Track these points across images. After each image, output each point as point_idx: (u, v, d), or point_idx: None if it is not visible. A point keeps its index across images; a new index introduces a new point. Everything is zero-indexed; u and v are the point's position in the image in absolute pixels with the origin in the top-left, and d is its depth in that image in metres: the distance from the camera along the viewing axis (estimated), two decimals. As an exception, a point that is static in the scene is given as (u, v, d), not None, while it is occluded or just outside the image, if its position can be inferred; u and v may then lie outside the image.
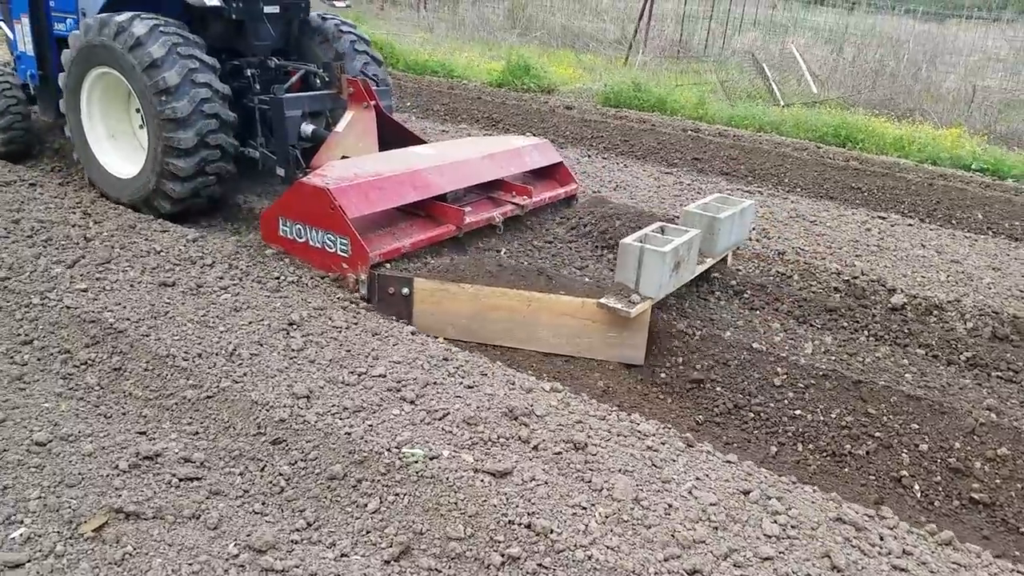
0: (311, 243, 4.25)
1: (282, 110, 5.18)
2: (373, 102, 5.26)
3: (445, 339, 3.80)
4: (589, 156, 8.38)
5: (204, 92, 4.76)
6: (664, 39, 17.83)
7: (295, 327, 3.63)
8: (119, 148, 5.33)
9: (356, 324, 3.75)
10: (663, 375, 3.91)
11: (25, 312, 3.62)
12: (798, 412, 3.59)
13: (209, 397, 3.06)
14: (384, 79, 6.12)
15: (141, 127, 5.07)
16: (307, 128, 5.38)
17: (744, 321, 4.36)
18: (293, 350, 3.42)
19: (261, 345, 3.43)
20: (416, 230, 4.51)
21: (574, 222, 5.39)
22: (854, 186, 7.75)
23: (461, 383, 3.26)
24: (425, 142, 5.58)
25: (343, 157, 4.97)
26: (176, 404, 3.07)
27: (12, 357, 3.34)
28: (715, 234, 4.46)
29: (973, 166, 9.14)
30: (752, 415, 3.64)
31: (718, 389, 3.78)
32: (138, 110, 5.07)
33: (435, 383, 3.24)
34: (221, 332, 3.51)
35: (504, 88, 12.53)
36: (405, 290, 3.99)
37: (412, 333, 3.74)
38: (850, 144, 9.84)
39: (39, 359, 3.35)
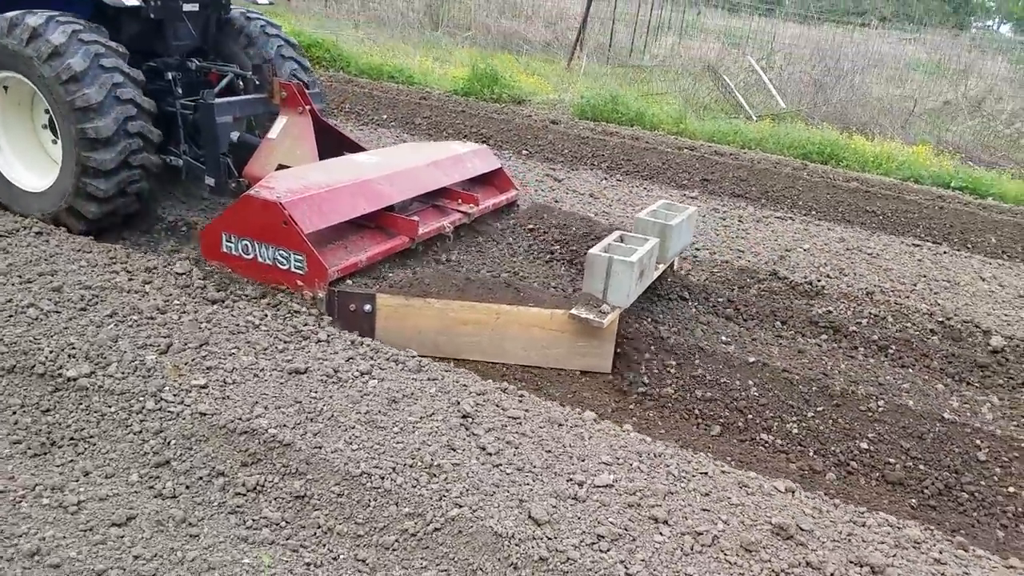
0: (260, 260, 4.03)
1: (212, 116, 4.88)
2: (308, 107, 5.02)
3: (628, 426, 3.41)
4: (607, 179, 8.11)
5: (129, 109, 4.47)
6: (593, 43, 17.80)
7: (471, 420, 3.14)
8: (23, 158, 4.91)
9: (530, 412, 3.30)
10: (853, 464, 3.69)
11: (143, 422, 2.94)
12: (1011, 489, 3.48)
13: (437, 530, 2.56)
14: (314, 80, 5.86)
15: (55, 142, 4.72)
16: (234, 135, 5.10)
17: (909, 383, 4.19)
18: (490, 454, 2.94)
19: (452, 450, 2.93)
20: (369, 243, 4.35)
21: (524, 230, 5.26)
22: (868, 209, 7.89)
23: (696, 491, 2.89)
24: (364, 149, 5.42)
25: (280, 166, 4.78)
26: (397, 542, 2.54)
27: (153, 486, 2.70)
28: (668, 240, 4.57)
29: (952, 184, 9.56)
30: (966, 495, 3.49)
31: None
32: (45, 126, 4.82)
33: (671, 493, 2.86)
34: (396, 434, 2.98)
35: (472, 98, 12.04)
36: (367, 306, 3.91)
37: (594, 420, 3.33)
38: (833, 162, 10.09)
39: (189, 487, 2.71)
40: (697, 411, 3.85)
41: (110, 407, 3.01)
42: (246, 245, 4.04)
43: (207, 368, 3.29)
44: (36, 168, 4.85)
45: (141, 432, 2.91)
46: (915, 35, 23.02)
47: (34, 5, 4.56)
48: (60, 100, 4.34)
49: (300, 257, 3.89)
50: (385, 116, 10.06)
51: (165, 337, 3.50)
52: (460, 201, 5.10)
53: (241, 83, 5.34)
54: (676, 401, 3.89)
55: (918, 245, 6.92)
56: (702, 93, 13.94)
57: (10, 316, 3.53)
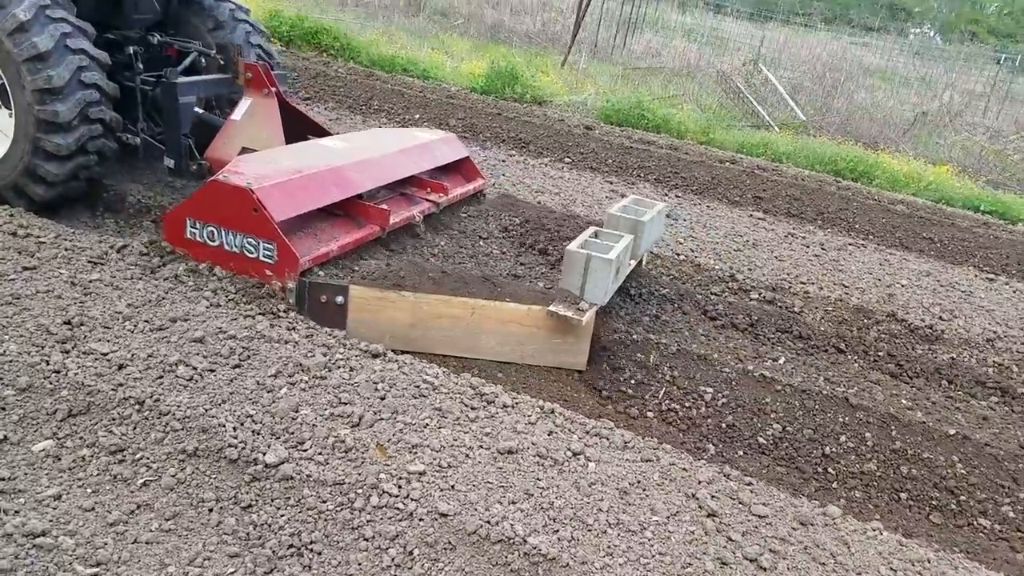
0: (227, 247, 3.89)
1: (176, 95, 4.70)
2: (274, 88, 4.90)
3: (877, 523, 3.14)
4: (667, 195, 7.85)
5: (81, 59, 4.28)
6: (582, 39, 17.46)
7: (720, 521, 2.84)
8: None
9: (771, 507, 3.00)
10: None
11: (371, 523, 2.54)
12: None
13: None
14: (278, 61, 5.74)
15: (10, 115, 4.43)
16: (195, 113, 4.97)
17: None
18: (765, 569, 2.64)
19: (724, 564, 2.63)
20: (339, 232, 4.21)
21: (491, 220, 5.30)
22: (924, 236, 7.88)
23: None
24: (330, 133, 5.32)
25: (244, 149, 4.67)
26: None
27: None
28: (640, 236, 4.57)
29: (982, 207, 9.68)
30: None
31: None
32: None
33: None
34: (653, 542, 2.67)
35: (492, 96, 11.60)
36: (339, 298, 3.80)
37: (841, 516, 3.03)
38: (864, 180, 10.08)
39: (457, 613, 2.33)
40: (905, 491, 3.62)
41: (325, 502, 2.59)
42: (212, 232, 3.89)
43: (412, 447, 2.89)
44: None
45: (375, 538, 2.50)
46: (862, 40, 23.42)
47: None
48: (7, 54, 4.13)
49: (270, 246, 3.76)
50: (418, 116, 9.55)
51: (347, 404, 3.08)
52: (429, 190, 5.01)
53: (203, 61, 5.14)
54: (880, 479, 3.65)
55: (991, 279, 6.90)
56: (709, 98, 13.81)
57: (159, 377, 3.05)
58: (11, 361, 2.98)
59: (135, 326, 3.37)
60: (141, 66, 4.95)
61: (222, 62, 4.98)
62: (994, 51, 24.36)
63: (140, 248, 4.09)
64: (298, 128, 5.10)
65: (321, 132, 5.30)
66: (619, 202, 5.03)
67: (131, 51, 4.94)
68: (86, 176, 4.58)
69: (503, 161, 7.99)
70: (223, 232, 3.86)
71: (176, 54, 5.28)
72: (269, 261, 3.81)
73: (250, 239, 3.80)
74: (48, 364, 2.98)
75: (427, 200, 4.93)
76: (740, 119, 12.90)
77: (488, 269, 4.54)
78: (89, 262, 3.90)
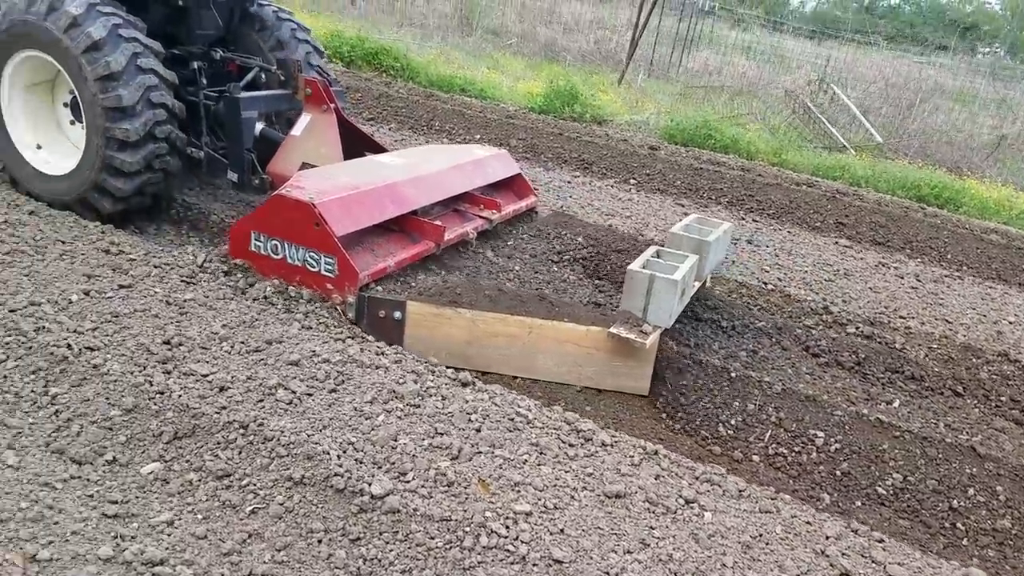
0: (289, 260, 3.95)
1: (238, 110, 4.76)
2: (332, 104, 4.92)
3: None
4: (743, 219, 7.66)
5: (151, 79, 4.36)
6: (638, 57, 17.34)
7: None
8: (46, 142, 4.83)
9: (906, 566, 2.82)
10: None
11: (483, 564, 2.43)
12: None
13: None
14: (335, 77, 5.76)
15: (72, 123, 4.73)
16: (257, 128, 5.03)
17: None
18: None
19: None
20: (395, 247, 4.25)
21: (546, 239, 5.24)
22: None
23: None
24: (385, 149, 5.35)
25: (304, 164, 4.72)
26: None
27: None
28: (705, 257, 4.41)
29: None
30: None
31: None
32: (66, 104, 4.75)
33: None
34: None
35: (551, 116, 11.56)
36: (397, 314, 3.80)
37: None
38: (950, 206, 9.67)
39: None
40: None
41: (433, 539, 2.51)
42: (275, 245, 3.95)
43: (515, 484, 2.79)
44: (61, 152, 4.76)
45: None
46: (928, 59, 22.68)
47: None
48: (82, 71, 4.24)
49: (331, 260, 3.80)
50: (478, 136, 9.55)
51: (443, 435, 3.00)
52: (482, 207, 5.04)
53: (263, 77, 5.20)
54: (1017, 538, 3.41)
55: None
56: (776, 118, 13.56)
57: (260, 400, 3.02)
58: (115, 381, 2.99)
59: (232, 347, 3.36)
60: (205, 81, 5.04)
61: (283, 78, 5.04)
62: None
63: (223, 266, 4.13)
64: (355, 144, 5.16)
65: (377, 148, 5.34)
66: (681, 221, 4.88)
67: (195, 66, 5.03)
68: (151, 192, 4.68)
69: (568, 183, 7.91)
70: (286, 245, 3.92)
71: (237, 69, 5.35)
72: (330, 275, 3.84)
73: (312, 253, 3.85)
74: (152, 385, 2.97)
75: (480, 216, 4.95)
76: (810, 140, 12.62)
77: (545, 288, 4.47)
78: (182, 281, 3.93)
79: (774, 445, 3.84)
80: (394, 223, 4.32)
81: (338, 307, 3.85)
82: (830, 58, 18.39)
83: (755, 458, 3.78)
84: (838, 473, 3.59)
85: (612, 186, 8.24)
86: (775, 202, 8.30)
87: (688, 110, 12.83)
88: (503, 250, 4.96)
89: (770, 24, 24.15)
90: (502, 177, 5.49)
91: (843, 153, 11.71)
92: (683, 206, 7.79)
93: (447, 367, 3.62)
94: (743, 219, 7.70)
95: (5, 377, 3.02)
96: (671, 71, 17.68)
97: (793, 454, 3.81)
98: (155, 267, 4.06)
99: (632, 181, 8.64)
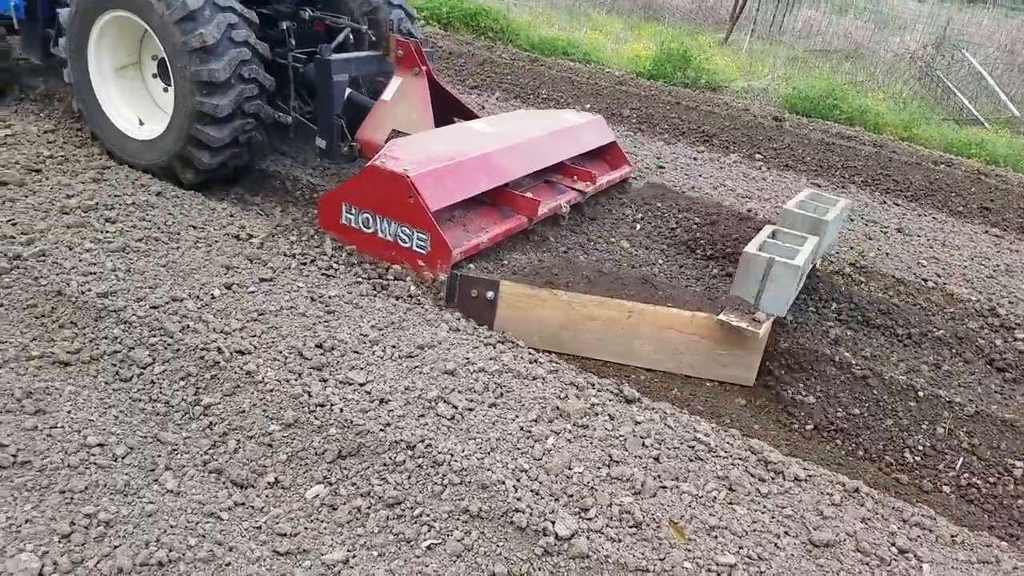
0: (380, 235, 3.79)
1: (329, 73, 4.50)
2: (424, 67, 4.60)
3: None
4: (884, 204, 7.01)
5: (244, 52, 4.18)
6: (742, 15, 16.18)
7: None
8: (132, 104, 4.72)
9: None
10: None
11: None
12: None
13: None
14: (423, 37, 5.37)
15: (166, 90, 4.52)
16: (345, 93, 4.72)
17: None
18: None
19: None
20: (487, 222, 4.04)
21: (643, 212, 4.92)
22: None
23: None
24: (476, 115, 5.08)
25: (394, 131, 4.45)
26: None
27: None
28: (822, 237, 4.08)
29: None
30: None
31: None
32: (155, 75, 4.63)
33: None
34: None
35: (661, 81, 10.95)
36: (490, 294, 3.63)
37: None
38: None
39: None
40: None
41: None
42: (367, 218, 3.81)
43: (711, 528, 2.49)
44: (147, 116, 4.68)
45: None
46: None
47: None
48: (174, 41, 4.08)
49: (424, 235, 3.64)
50: (588, 106, 9.09)
51: (620, 463, 2.72)
52: (575, 178, 4.76)
53: (351, 38, 4.94)
54: None
55: None
56: (901, 89, 12.49)
57: (421, 415, 2.80)
58: (272, 391, 2.82)
59: (384, 352, 3.15)
60: (294, 42, 4.83)
61: (373, 38, 4.79)
62: None
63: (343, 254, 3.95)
64: (445, 109, 4.91)
65: (468, 114, 5.08)
66: (795, 197, 4.50)
67: (284, 27, 4.81)
68: (234, 164, 4.59)
69: (694, 160, 7.40)
70: (378, 219, 3.76)
71: (326, 30, 5.09)
72: (422, 252, 3.68)
73: (404, 228, 3.69)
74: (311, 396, 2.79)
75: (573, 188, 4.68)
76: (936, 111, 11.58)
77: (649, 269, 4.19)
78: (322, 274, 3.75)
79: (966, 475, 3.41)
80: (486, 195, 4.11)
81: (428, 285, 3.69)
82: (950, 20, 16.81)
83: (945, 488, 3.38)
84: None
85: (738, 162, 7.69)
86: (913, 183, 7.58)
87: (803, 76, 11.98)
88: (601, 226, 4.65)
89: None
90: (597, 145, 5.19)
91: (976, 128, 10.66)
92: (819, 185, 7.18)
93: (592, 376, 3.33)
94: (884, 202, 7.05)
95: (154, 383, 2.88)
96: (772, 31, 16.55)
97: (988, 485, 3.39)
98: (286, 255, 3.89)
99: (758, 157, 8.05)
